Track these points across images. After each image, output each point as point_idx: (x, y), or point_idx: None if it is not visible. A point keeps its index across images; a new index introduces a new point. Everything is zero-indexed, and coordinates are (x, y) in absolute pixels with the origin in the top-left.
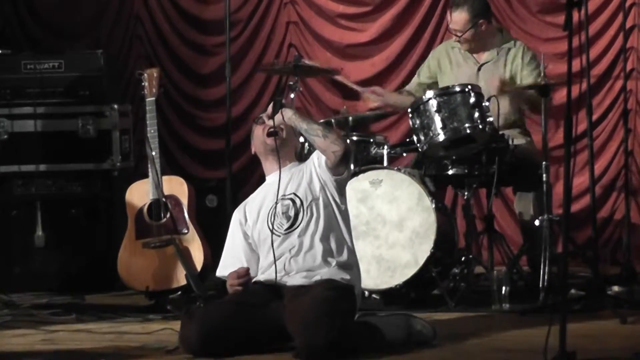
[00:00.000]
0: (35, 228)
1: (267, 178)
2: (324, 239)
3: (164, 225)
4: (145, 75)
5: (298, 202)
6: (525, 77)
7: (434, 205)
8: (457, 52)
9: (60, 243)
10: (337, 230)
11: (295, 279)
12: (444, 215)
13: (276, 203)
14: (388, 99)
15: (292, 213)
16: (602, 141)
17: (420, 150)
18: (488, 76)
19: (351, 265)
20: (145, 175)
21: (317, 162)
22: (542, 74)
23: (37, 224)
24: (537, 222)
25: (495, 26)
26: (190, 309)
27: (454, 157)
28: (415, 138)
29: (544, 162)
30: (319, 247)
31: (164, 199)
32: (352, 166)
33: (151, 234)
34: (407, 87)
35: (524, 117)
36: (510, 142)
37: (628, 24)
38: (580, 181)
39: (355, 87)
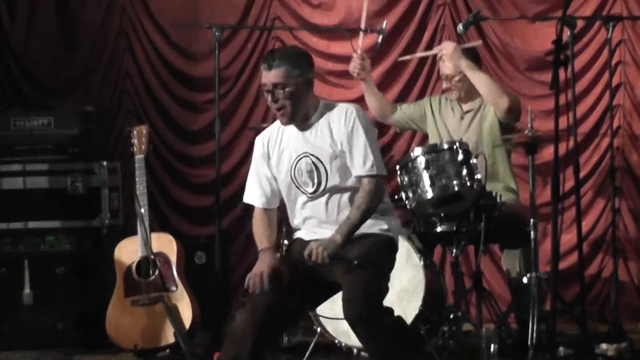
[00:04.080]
0: (23, 286)
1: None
2: (352, 197)
3: (153, 282)
4: (135, 132)
5: (321, 167)
6: None
7: (422, 263)
8: (446, 103)
9: (49, 301)
10: None
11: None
12: (432, 273)
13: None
14: (369, 82)
15: (315, 175)
16: (590, 199)
17: (408, 207)
18: (468, 125)
19: (387, 210)
20: (134, 233)
21: (345, 124)
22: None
23: (25, 282)
24: (525, 280)
25: None
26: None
27: (442, 215)
28: (403, 195)
29: (532, 220)
30: (346, 204)
31: (152, 257)
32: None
33: (140, 292)
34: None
35: (512, 172)
36: (498, 199)
37: (614, 82)
38: (568, 238)
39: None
